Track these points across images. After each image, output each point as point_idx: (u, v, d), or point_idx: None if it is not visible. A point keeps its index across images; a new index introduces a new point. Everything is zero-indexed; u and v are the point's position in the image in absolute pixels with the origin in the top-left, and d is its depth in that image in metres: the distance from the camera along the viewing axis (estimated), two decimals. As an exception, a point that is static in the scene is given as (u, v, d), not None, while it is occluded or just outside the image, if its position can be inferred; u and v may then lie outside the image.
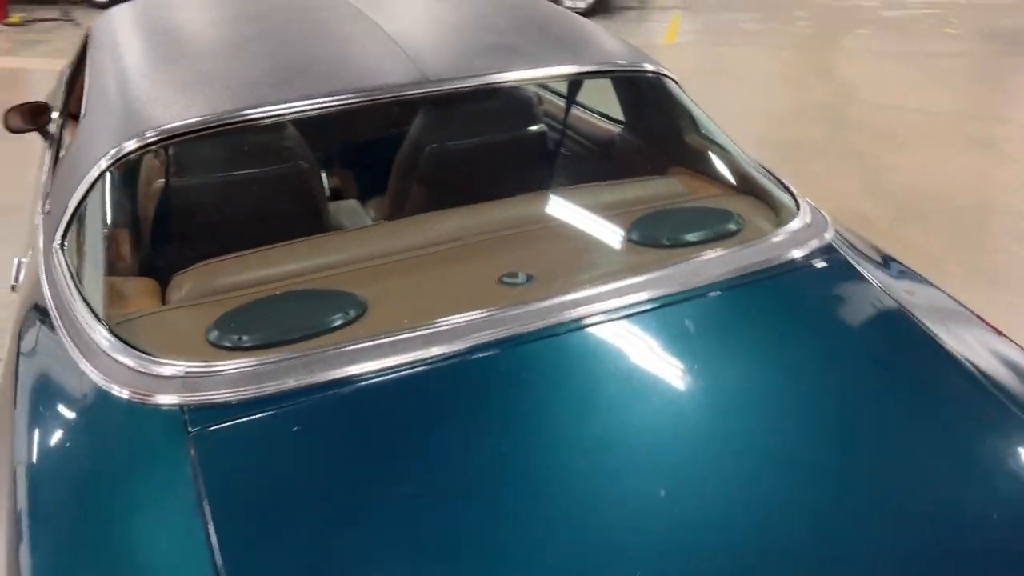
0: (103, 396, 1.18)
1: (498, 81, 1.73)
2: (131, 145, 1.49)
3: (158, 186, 2.03)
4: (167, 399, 1.15)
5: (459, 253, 1.61)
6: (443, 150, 2.16)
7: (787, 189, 1.76)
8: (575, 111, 2.72)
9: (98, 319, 1.29)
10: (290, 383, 1.17)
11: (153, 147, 1.53)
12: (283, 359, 1.21)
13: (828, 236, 1.58)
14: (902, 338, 1.39)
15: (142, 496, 1.06)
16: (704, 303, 1.41)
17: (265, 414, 1.15)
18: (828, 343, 1.36)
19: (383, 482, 1.07)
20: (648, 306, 1.38)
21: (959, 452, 1.20)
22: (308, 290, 1.44)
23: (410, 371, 1.22)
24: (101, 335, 1.25)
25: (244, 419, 1.14)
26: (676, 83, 2.00)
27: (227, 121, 1.54)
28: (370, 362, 1.22)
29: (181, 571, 0.96)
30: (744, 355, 1.32)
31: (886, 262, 1.67)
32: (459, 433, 1.15)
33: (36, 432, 1.20)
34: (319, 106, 1.58)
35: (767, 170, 1.85)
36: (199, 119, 1.51)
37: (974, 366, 1.32)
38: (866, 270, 1.52)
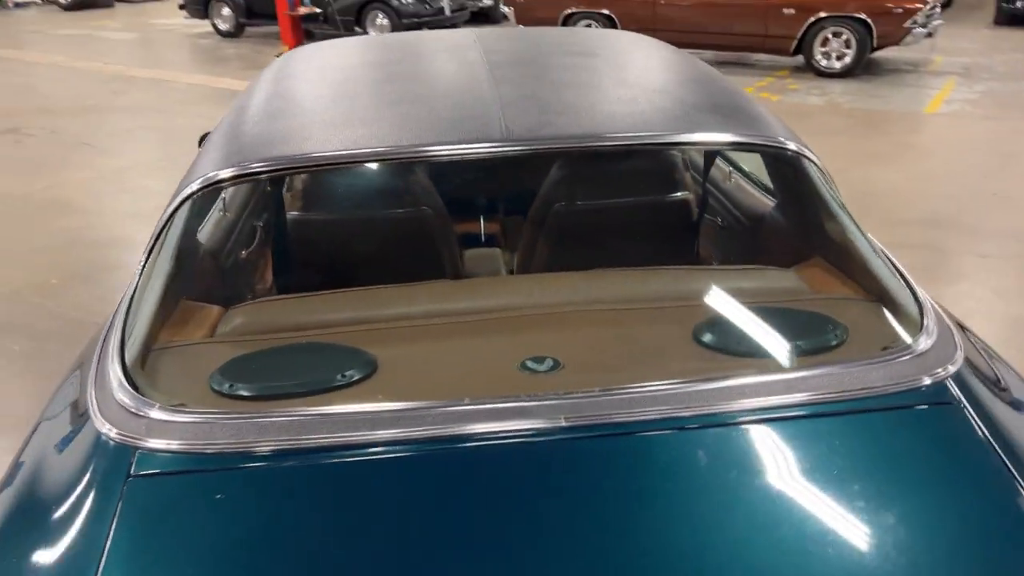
0: (88, 422, 1.22)
1: (583, 146, 1.61)
2: (224, 174, 1.54)
3: (268, 219, 2.13)
4: (126, 439, 1.15)
5: (493, 326, 1.50)
6: (569, 209, 2.08)
7: (917, 300, 1.43)
8: (738, 179, 2.50)
9: (122, 350, 1.33)
10: (250, 444, 1.13)
11: (235, 181, 1.58)
12: (253, 416, 1.17)
13: (951, 367, 1.26)
14: (998, 526, 1.06)
15: (66, 533, 1.06)
16: (751, 431, 1.17)
17: (212, 472, 1.11)
18: (891, 512, 1.06)
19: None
20: (689, 423, 1.17)
21: None
22: (323, 344, 1.41)
23: (383, 455, 1.12)
24: (114, 368, 1.28)
25: (187, 473, 1.11)
26: (818, 167, 1.75)
27: (307, 164, 1.57)
28: (344, 434, 1.14)
29: None
30: (775, 505, 1.07)
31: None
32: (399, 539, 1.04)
33: (28, 451, 1.28)
34: (395, 154, 1.56)
35: (901, 273, 1.54)
36: (281, 159, 1.55)
37: None
38: (982, 421, 1.18)
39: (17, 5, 17.15)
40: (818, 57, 8.55)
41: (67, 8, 16.47)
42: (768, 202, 2.24)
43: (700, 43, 9.30)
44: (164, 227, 1.60)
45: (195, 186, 1.57)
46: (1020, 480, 1.09)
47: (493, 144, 1.56)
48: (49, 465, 1.22)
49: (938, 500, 1.08)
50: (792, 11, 8.48)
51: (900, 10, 8.13)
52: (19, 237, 4.61)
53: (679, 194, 2.25)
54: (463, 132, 1.59)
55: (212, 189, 1.59)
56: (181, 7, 12.98)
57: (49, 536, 1.07)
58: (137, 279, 1.53)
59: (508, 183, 2.56)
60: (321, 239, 2.10)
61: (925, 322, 1.35)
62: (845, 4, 8.32)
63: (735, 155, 2.67)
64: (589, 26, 9.47)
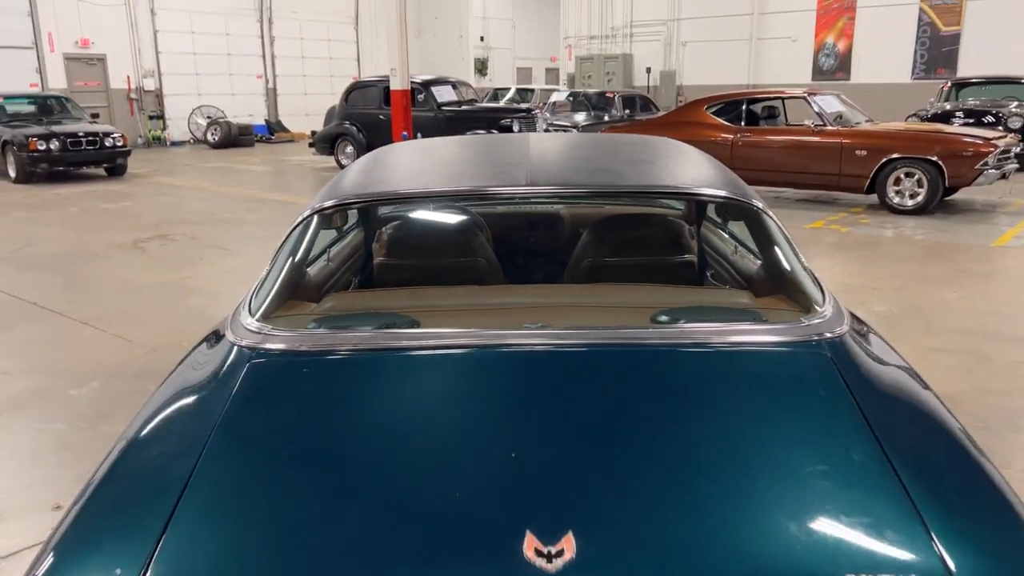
0: (224, 339, 1.83)
1: (584, 192, 2.23)
2: (326, 204, 2.21)
3: (359, 256, 2.75)
4: (249, 346, 1.73)
5: (506, 311, 2.02)
6: (596, 264, 2.62)
7: (824, 295, 1.91)
8: (737, 246, 3.00)
9: (249, 304, 1.94)
10: (326, 347, 1.72)
11: (333, 209, 2.26)
12: (331, 336, 1.76)
13: (829, 335, 1.72)
14: (827, 447, 1.44)
15: (197, 397, 1.62)
16: (675, 358, 1.68)
17: (301, 361, 1.69)
18: (750, 420, 1.49)
19: (361, 434, 1.48)
20: (636, 348, 1.68)
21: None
22: (384, 312, 1.98)
23: (415, 353, 1.69)
24: (244, 313, 1.90)
25: (285, 363, 1.70)
26: (769, 216, 2.25)
27: (376, 199, 2.25)
28: (387, 342, 1.73)
29: (172, 463, 1.41)
30: (666, 396, 1.54)
31: (887, 374, 1.74)
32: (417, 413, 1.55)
33: (183, 363, 1.88)
34: (442, 194, 2.21)
35: (818, 283, 2.00)
36: (360, 196, 2.22)
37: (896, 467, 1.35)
38: (844, 372, 1.60)
39: (173, 144, 19.69)
40: (891, 195, 8.94)
41: (214, 147, 18.79)
42: (753, 258, 2.71)
43: (776, 181, 9.86)
44: (283, 243, 2.23)
45: (306, 213, 2.23)
46: (866, 417, 1.47)
47: (517, 186, 2.14)
48: (195, 365, 1.80)
49: (790, 419, 1.50)
50: (864, 152, 8.99)
51: (970, 152, 8.51)
52: (158, 312, 5.47)
53: (690, 256, 2.77)
54: (497, 180, 2.20)
55: (318, 215, 2.25)
56: (311, 145, 14.68)
57: (192, 405, 1.63)
58: (261, 278, 2.15)
59: (549, 245, 3.14)
60: (399, 275, 2.71)
61: (822, 309, 1.81)
62: (916, 146, 8.78)
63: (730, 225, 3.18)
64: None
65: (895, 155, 8.82)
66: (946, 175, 8.59)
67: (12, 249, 7.55)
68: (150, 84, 19.55)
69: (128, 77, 19.13)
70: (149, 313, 5.44)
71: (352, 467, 1.38)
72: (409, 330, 1.78)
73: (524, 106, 14.08)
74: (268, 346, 1.72)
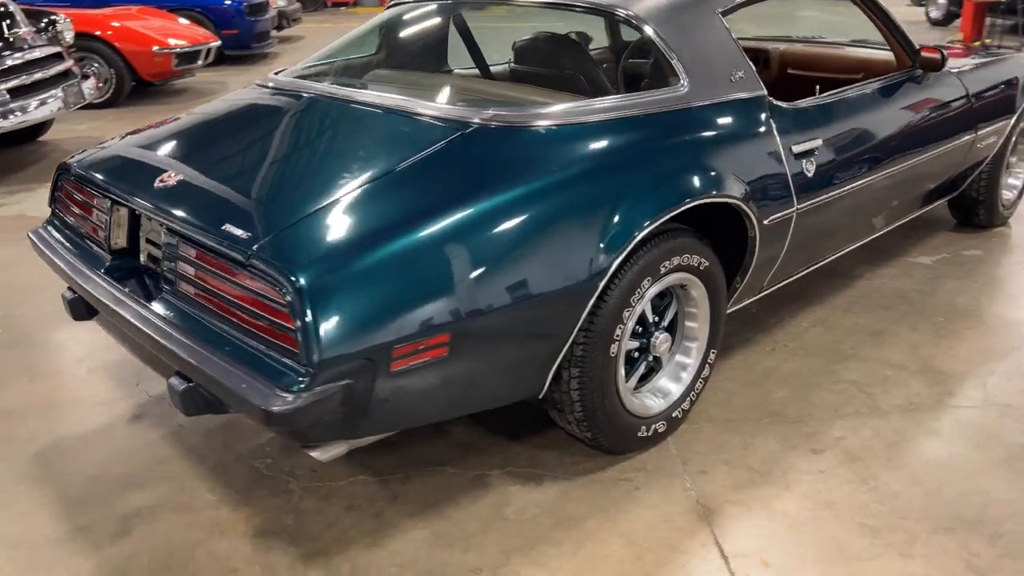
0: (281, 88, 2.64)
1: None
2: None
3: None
4: (257, 81, 2.68)
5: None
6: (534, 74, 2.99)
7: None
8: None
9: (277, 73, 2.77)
10: (267, 85, 2.62)
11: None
12: (277, 79, 2.65)
13: (466, 126, 2.07)
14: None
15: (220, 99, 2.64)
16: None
17: (258, 89, 2.62)
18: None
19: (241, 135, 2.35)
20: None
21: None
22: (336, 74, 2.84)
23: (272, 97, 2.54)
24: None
25: (255, 89, 2.64)
26: (654, 30, 2.35)
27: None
28: (296, 88, 2.55)
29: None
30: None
31: None
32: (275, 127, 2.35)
33: None
34: None
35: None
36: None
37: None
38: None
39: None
40: None
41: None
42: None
43: None
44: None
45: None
46: (428, 171, 1.92)
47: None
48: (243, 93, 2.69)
49: (388, 161, 1.98)
50: None
51: None
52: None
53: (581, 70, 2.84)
54: None
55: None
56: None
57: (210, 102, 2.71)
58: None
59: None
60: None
61: (680, 80, 2.28)
62: None
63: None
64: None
65: None
66: None
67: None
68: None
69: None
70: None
71: (196, 134, 2.38)
72: (315, 83, 2.57)
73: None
74: (258, 83, 2.68)
